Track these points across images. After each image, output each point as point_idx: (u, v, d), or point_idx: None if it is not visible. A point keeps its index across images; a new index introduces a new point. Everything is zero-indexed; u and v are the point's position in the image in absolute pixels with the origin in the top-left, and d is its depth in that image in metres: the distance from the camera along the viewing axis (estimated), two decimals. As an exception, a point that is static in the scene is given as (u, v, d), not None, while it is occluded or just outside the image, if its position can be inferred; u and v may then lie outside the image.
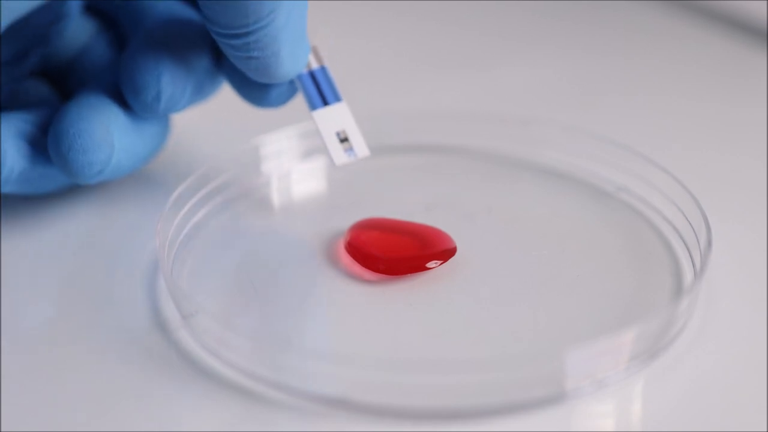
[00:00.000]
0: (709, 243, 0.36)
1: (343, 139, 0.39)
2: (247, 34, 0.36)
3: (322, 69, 0.39)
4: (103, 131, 0.37)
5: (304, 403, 0.32)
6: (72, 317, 0.36)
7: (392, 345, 0.35)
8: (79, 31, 0.41)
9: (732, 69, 0.54)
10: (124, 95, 0.38)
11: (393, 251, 0.37)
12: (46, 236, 0.40)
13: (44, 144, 0.38)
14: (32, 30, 0.39)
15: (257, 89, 0.39)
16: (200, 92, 0.40)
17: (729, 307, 0.36)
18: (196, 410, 0.33)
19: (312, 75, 0.39)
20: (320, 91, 0.39)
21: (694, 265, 0.37)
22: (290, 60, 0.37)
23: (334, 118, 0.39)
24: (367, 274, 0.37)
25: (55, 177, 0.39)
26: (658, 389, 0.33)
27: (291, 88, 0.40)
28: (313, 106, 0.39)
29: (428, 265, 0.37)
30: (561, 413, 0.32)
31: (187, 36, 0.39)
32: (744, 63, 0.54)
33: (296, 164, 0.43)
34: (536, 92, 0.52)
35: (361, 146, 0.39)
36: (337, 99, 0.39)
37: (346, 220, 0.39)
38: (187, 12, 0.41)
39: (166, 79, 0.38)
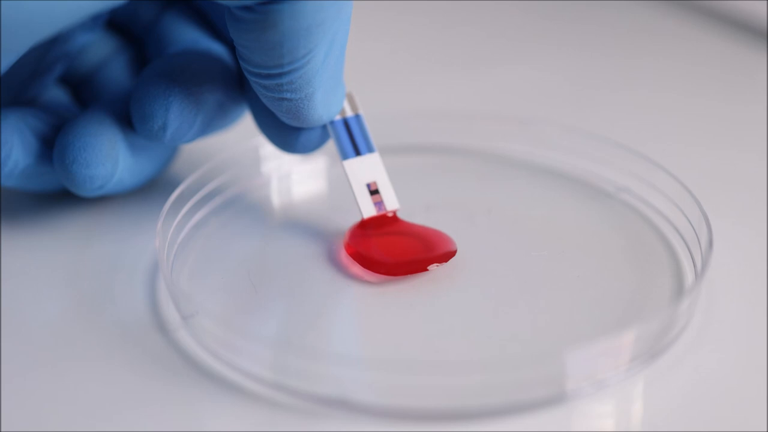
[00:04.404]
0: (710, 243, 0.36)
1: (373, 191, 0.38)
2: (280, 75, 0.34)
3: (357, 117, 0.38)
4: (109, 148, 0.37)
5: (304, 404, 0.32)
6: (72, 317, 0.36)
7: (392, 345, 0.35)
8: (98, 46, 0.41)
9: (732, 69, 0.54)
10: (131, 119, 0.38)
11: (394, 254, 0.37)
12: (46, 236, 0.40)
13: (52, 146, 0.38)
14: (60, 42, 0.39)
15: (286, 132, 0.38)
16: (209, 127, 0.39)
17: (730, 307, 0.36)
18: (196, 411, 0.32)
19: (345, 123, 0.38)
20: (353, 140, 0.38)
21: (695, 265, 0.37)
22: (324, 105, 0.36)
23: (365, 169, 0.38)
24: (368, 274, 0.37)
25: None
26: (659, 390, 0.33)
27: (322, 135, 0.38)
28: (344, 156, 0.38)
29: (429, 267, 0.37)
30: (561, 414, 0.32)
31: (205, 71, 0.38)
32: (744, 63, 0.54)
33: (296, 165, 0.43)
34: (536, 92, 0.51)
35: (391, 199, 0.38)
36: (370, 150, 0.38)
37: (346, 220, 0.39)
38: (212, 47, 0.40)
39: (174, 113, 0.37)
